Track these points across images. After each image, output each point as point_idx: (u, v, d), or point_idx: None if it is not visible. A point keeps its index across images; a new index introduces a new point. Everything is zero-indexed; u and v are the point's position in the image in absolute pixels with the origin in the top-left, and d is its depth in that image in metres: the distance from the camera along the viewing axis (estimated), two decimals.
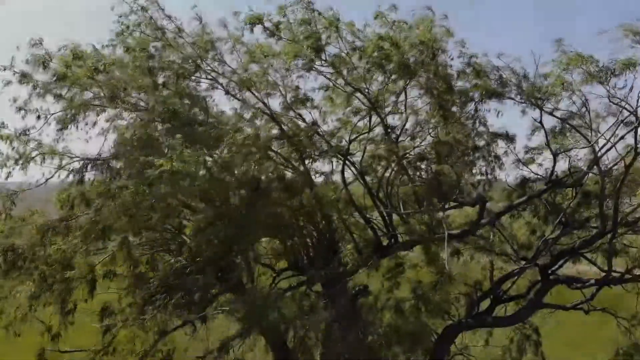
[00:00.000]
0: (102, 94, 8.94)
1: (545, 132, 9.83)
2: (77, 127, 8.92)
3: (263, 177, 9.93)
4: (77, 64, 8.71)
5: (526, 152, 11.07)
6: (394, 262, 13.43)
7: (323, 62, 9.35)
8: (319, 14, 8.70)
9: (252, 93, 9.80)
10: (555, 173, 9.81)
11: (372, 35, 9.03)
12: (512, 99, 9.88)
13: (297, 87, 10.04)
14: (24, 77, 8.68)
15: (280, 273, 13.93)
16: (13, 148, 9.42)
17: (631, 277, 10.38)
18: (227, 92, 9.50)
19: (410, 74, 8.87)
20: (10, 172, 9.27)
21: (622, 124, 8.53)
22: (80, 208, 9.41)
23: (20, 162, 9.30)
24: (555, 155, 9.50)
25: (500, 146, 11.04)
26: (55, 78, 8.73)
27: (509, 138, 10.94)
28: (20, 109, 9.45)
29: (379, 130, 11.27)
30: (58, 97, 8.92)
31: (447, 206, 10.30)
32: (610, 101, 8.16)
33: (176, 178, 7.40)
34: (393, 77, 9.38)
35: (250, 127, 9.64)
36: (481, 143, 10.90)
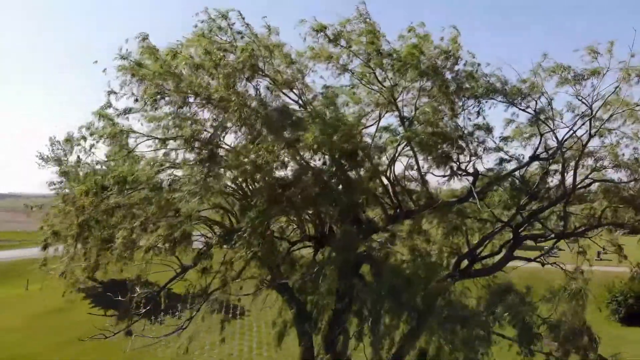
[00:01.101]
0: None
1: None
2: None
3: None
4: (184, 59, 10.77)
5: (501, 140, 14.48)
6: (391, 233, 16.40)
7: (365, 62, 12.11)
8: (371, 25, 11.41)
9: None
10: (535, 152, 13.21)
11: (406, 45, 11.86)
12: (495, 99, 13.20)
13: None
14: (139, 66, 10.56)
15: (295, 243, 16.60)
16: (113, 124, 11.26)
17: (578, 232, 14.05)
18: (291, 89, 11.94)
19: (434, 76, 11.79)
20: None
21: (581, 116, 12.04)
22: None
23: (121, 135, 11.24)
24: (541, 135, 12.85)
25: (480, 135, 14.39)
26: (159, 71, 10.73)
27: (488, 129, 14.30)
28: (111, 92, 11.37)
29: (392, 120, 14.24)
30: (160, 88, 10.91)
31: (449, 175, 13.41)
32: (577, 98, 11.60)
33: None
34: (416, 77, 12.22)
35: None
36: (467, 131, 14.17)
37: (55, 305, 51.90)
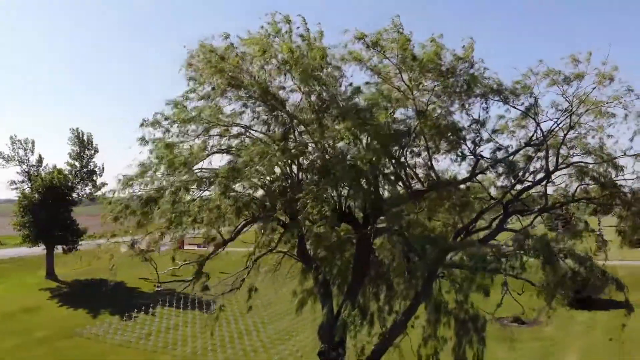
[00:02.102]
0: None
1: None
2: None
3: None
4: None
5: (492, 132, 17.56)
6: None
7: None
8: (404, 36, 14.13)
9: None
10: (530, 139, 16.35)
11: (426, 52, 14.63)
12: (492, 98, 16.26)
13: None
14: (221, 60, 12.79)
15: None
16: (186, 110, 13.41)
17: (555, 206, 17.33)
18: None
19: (452, 76, 14.66)
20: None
21: (563, 112, 15.30)
22: None
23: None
24: (538, 124, 15.97)
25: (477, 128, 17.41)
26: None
27: (483, 123, 17.35)
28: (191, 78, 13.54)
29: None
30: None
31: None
32: (562, 97, 14.80)
33: None
34: (436, 77, 15.04)
35: None
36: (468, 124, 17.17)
37: (23, 305, 51.53)
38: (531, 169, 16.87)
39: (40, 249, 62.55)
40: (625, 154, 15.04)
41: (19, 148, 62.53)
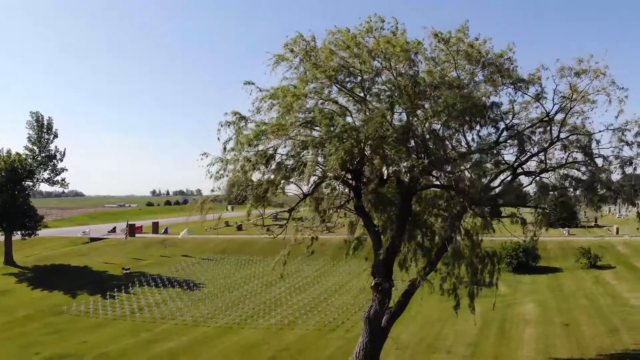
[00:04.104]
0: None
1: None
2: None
3: None
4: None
5: (505, 114, 23.10)
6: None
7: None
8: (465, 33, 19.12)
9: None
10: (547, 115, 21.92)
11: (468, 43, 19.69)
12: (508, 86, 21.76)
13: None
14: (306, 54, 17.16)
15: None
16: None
17: (552, 168, 23.20)
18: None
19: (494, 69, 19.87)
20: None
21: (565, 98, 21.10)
22: None
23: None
24: (555, 105, 21.57)
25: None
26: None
27: (497, 105, 22.83)
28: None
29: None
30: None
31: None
32: (570, 88, 20.53)
33: None
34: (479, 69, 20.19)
35: None
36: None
37: None
38: (535, 140, 22.60)
39: None
40: (607, 129, 21.08)
41: None
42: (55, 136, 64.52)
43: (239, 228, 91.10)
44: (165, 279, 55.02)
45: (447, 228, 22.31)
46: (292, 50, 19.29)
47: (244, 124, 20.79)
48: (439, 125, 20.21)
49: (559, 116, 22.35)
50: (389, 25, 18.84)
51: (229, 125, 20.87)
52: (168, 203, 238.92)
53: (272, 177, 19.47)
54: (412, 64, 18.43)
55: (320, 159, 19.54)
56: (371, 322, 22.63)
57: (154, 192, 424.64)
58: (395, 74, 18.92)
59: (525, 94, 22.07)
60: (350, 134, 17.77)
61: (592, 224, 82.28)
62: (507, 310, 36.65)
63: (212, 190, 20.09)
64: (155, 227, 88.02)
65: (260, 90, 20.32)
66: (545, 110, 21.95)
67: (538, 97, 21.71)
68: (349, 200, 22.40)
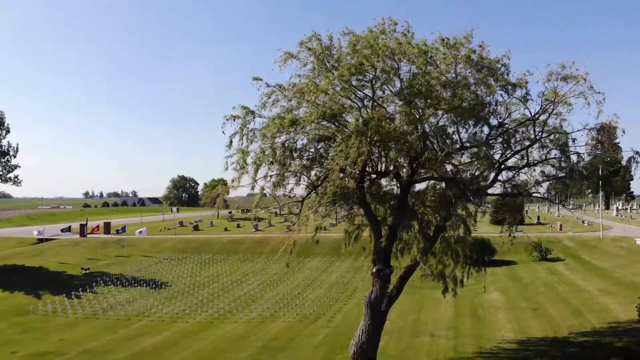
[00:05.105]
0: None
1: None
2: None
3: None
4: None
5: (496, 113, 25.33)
6: None
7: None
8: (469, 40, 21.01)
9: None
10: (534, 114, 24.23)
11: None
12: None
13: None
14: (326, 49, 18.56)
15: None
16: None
17: (533, 164, 25.63)
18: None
19: (490, 71, 21.91)
20: None
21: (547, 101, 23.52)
22: None
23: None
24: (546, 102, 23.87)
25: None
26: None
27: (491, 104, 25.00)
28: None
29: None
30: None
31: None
32: (554, 91, 22.92)
33: None
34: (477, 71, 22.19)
35: None
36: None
37: None
38: (518, 138, 24.94)
39: None
40: (584, 128, 23.71)
41: None
42: (8, 131, 61.74)
43: (196, 228, 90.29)
44: (129, 278, 54.10)
45: (439, 219, 24.20)
46: (309, 49, 20.36)
47: (250, 118, 21.67)
48: (445, 121, 21.96)
49: (543, 117, 24.74)
50: (401, 27, 20.42)
51: (234, 119, 21.66)
52: (106, 204, 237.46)
53: (305, 163, 20.56)
54: (428, 64, 20.07)
55: (332, 153, 20.76)
56: (372, 306, 24.05)
57: (87, 194, 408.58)
58: (411, 74, 20.51)
59: (512, 96, 24.34)
60: (373, 129, 19.08)
61: (535, 222, 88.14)
62: (475, 299, 39.23)
63: (233, 181, 20.72)
64: (107, 227, 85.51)
65: (268, 86, 21.27)
66: (530, 111, 24.29)
67: (525, 100, 24.01)
68: (353, 191, 23.73)
